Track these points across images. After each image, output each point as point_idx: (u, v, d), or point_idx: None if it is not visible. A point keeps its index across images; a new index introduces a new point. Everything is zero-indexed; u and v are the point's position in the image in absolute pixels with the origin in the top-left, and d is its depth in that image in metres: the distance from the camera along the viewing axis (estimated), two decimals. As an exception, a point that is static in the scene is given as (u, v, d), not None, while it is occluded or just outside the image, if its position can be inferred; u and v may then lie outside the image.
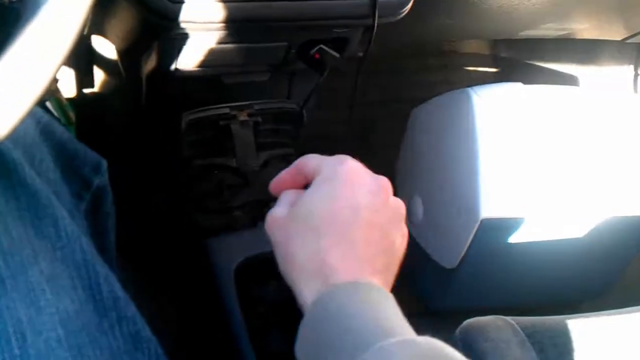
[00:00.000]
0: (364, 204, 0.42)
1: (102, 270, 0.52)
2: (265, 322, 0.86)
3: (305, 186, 0.47)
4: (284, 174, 0.48)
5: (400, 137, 1.37)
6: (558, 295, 1.26)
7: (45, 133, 0.58)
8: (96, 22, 0.96)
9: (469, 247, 1.08)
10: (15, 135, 0.52)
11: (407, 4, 0.82)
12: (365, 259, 0.40)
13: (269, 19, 0.78)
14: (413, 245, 1.17)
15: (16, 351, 0.44)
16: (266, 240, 0.93)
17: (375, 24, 0.80)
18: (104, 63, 1.29)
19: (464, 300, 1.23)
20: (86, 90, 1.35)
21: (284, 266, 0.43)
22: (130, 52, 0.99)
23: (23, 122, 0.54)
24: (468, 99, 1.10)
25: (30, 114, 0.56)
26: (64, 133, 0.60)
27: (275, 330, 0.83)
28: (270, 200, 1.02)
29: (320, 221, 0.41)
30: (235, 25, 0.78)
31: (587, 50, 1.49)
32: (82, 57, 1.30)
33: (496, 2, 1.06)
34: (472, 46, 1.60)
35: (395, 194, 0.45)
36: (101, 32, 1.02)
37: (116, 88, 1.29)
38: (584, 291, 1.28)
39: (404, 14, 0.84)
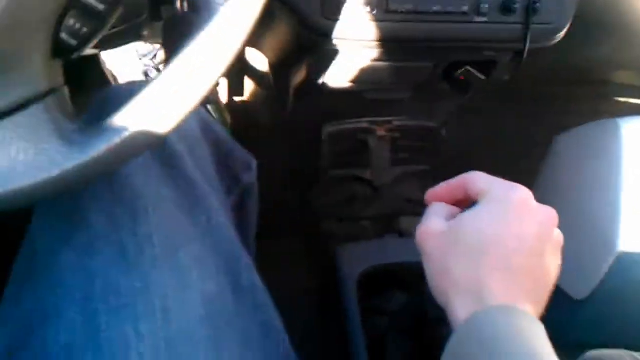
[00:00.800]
0: (532, 233, 0.42)
1: (245, 260, 0.56)
2: (383, 332, 0.87)
3: (456, 203, 0.48)
4: (445, 185, 0.49)
5: (540, 164, 1.33)
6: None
7: (206, 131, 0.63)
8: (252, 35, 1.03)
9: (603, 279, 1.03)
10: (181, 130, 0.58)
11: (561, 31, 0.81)
12: (524, 288, 0.41)
13: (419, 39, 0.80)
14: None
15: (159, 323, 0.47)
16: (391, 251, 0.95)
17: (526, 49, 0.79)
18: (254, 74, 1.38)
19: (591, 334, 1.16)
20: (237, 99, 1.45)
21: (435, 278, 0.44)
22: (282, 66, 1.05)
23: (188, 118, 0.60)
24: (616, 129, 1.04)
25: (195, 113, 0.62)
26: (221, 132, 0.65)
27: (392, 341, 0.84)
28: (400, 215, 1.05)
29: (485, 242, 0.42)
30: (385, 45, 0.80)
31: None
32: (235, 68, 1.40)
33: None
34: (626, 76, 1.51)
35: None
36: (256, 45, 1.08)
37: (265, 99, 1.37)
38: None
39: (557, 40, 0.82)
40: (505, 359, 0.36)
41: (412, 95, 1.04)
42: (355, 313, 0.87)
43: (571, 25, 0.83)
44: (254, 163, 0.71)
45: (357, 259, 0.94)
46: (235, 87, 1.43)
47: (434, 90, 1.05)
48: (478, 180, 0.47)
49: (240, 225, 0.67)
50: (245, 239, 0.70)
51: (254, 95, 1.42)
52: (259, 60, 1.31)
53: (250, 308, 0.54)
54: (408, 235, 1.04)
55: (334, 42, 0.78)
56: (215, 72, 0.44)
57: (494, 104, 0.97)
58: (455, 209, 0.48)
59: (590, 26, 1.00)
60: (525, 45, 0.79)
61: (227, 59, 0.45)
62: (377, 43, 0.79)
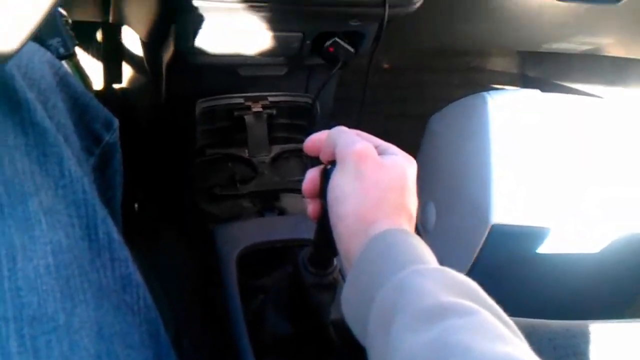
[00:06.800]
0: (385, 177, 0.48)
1: (101, 211, 0.53)
2: (262, 308, 0.85)
3: None
4: (317, 139, 0.54)
5: (417, 147, 1.36)
6: (569, 311, 1.22)
7: (62, 84, 0.60)
8: (120, 7, 0.99)
9: (480, 253, 1.06)
10: (31, 77, 0.54)
11: (419, -6, 0.82)
12: (406, 215, 0.47)
13: (282, 0, 0.79)
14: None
15: (5, 272, 0.45)
16: (271, 229, 0.94)
17: (387, 12, 0.81)
18: (130, 59, 1.33)
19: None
20: (115, 86, 1.39)
21: (365, 201, 0.47)
22: (153, 42, 1.02)
23: (40, 66, 0.56)
24: (484, 103, 1.09)
25: (49, 64, 0.59)
26: (79, 86, 0.62)
27: (271, 315, 0.83)
28: (278, 192, 1.04)
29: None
30: (248, 8, 0.79)
31: (614, 70, 1.47)
32: (111, 52, 1.34)
33: (517, 9, 1.06)
34: (497, 63, 1.59)
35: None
36: (125, 20, 1.04)
37: (142, 83, 1.32)
38: (597, 309, 1.24)
39: (417, 4, 0.84)
40: (394, 263, 0.41)
41: (287, 72, 1.03)
42: (235, 292, 0.85)
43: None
44: (116, 122, 0.68)
45: (236, 238, 0.92)
46: (113, 74, 1.38)
47: (308, 67, 1.05)
48: (332, 139, 0.51)
49: (103, 188, 0.65)
50: (110, 200, 0.67)
51: (132, 80, 1.37)
52: (134, 44, 1.27)
53: (106, 260, 0.53)
54: (288, 212, 1.03)
55: (194, 3, 0.76)
56: None
57: (368, 86, 0.98)
58: None
59: (456, 1, 1.04)
60: (385, 9, 0.80)
61: None
62: (238, 4, 0.77)
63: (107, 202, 0.64)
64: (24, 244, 0.47)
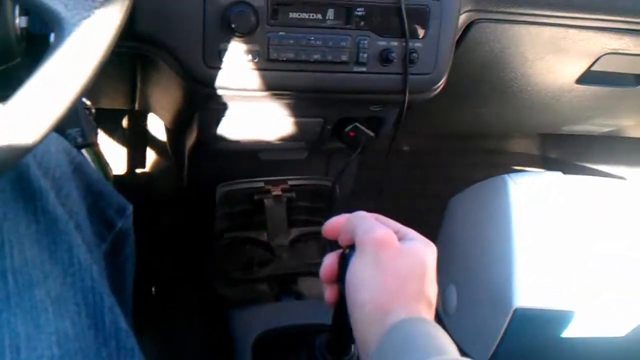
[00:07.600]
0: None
1: (109, 300, 0.53)
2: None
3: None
4: (336, 223, 0.53)
5: (437, 228, 1.35)
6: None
7: (77, 172, 0.61)
8: (146, 96, 1.02)
9: (502, 338, 1.03)
10: (46, 166, 0.56)
11: (439, 82, 0.84)
12: (425, 303, 0.45)
13: (302, 89, 0.80)
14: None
15: None
16: (288, 314, 0.92)
17: (407, 99, 0.82)
18: (154, 144, 1.36)
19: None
20: (138, 170, 1.42)
21: (381, 289, 0.46)
22: (176, 128, 1.04)
23: (57, 155, 0.57)
24: (504, 185, 1.09)
25: (65, 152, 0.60)
26: (94, 174, 0.63)
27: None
28: (297, 276, 1.03)
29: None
30: (270, 96, 0.81)
31: (636, 151, 1.46)
32: (136, 137, 1.38)
33: (536, 93, 1.07)
34: (518, 145, 1.60)
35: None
36: (150, 107, 1.07)
37: (165, 168, 1.35)
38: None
39: (435, 92, 0.85)
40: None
41: (308, 156, 1.04)
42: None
43: (457, 86, 0.87)
44: (130, 208, 0.68)
45: (253, 323, 0.90)
46: (137, 158, 1.41)
47: (329, 151, 1.06)
48: (351, 224, 0.50)
49: (114, 274, 0.65)
50: (120, 287, 0.67)
51: (155, 165, 1.39)
52: (159, 130, 1.30)
53: (112, 350, 0.52)
54: (306, 297, 1.01)
55: (218, 92, 0.78)
56: (74, 85, 0.43)
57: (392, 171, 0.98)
58: None
59: (475, 87, 1.05)
60: (405, 95, 0.81)
61: (83, 77, 0.44)
62: (261, 93, 0.79)
63: (117, 289, 0.64)
64: (28, 333, 0.47)
